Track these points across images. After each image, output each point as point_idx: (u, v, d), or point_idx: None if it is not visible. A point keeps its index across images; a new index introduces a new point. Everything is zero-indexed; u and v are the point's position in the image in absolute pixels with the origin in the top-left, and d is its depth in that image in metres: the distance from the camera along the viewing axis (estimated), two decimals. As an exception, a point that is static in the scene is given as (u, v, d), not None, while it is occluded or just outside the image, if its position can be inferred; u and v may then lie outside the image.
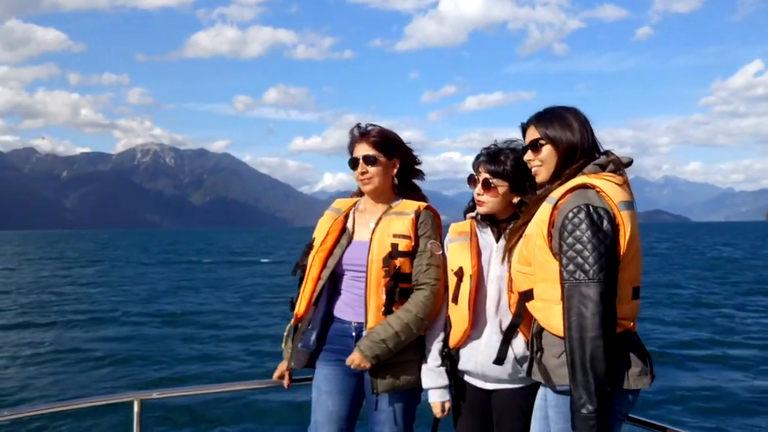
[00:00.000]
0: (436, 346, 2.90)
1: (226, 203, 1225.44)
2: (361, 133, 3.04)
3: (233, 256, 65.12)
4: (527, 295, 2.47)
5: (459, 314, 2.82)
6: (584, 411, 2.15)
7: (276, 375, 3.16)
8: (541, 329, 2.46)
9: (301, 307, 3.03)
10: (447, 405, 2.91)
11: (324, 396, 3.03)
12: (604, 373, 2.16)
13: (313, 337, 3.05)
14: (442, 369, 2.89)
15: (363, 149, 2.99)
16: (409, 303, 2.87)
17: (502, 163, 2.81)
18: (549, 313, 2.36)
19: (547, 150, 2.51)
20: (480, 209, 2.87)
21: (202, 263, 54.33)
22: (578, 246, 2.24)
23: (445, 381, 2.89)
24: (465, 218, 3.01)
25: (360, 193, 3.16)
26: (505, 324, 2.73)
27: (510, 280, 2.66)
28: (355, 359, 2.85)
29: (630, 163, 2.47)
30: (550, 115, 2.54)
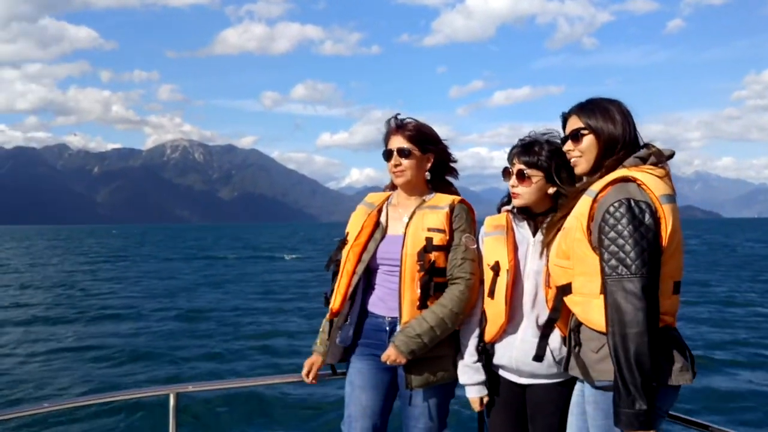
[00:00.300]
0: (472, 342, 2.88)
1: (254, 198, 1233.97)
2: (398, 126, 3.02)
3: (256, 252, 65.39)
4: (565, 289, 2.44)
5: (495, 309, 2.80)
6: (635, 407, 2.13)
7: (305, 369, 3.11)
8: (579, 324, 2.43)
9: (336, 302, 3.01)
10: (485, 400, 2.90)
11: (358, 391, 3.02)
12: (649, 369, 2.13)
13: (350, 332, 3.05)
14: (479, 365, 2.87)
15: (398, 141, 2.98)
16: (444, 298, 2.85)
17: (537, 153, 2.77)
18: (588, 307, 2.34)
19: (588, 140, 2.48)
20: (515, 201, 2.83)
21: (226, 258, 54.66)
22: (620, 240, 2.21)
23: (482, 377, 2.87)
24: (499, 212, 2.98)
25: (393, 187, 3.14)
26: (542, 319, 2.73)
27: (547, 274, 2.64)
28: (390, 355, 2.84)
29: (672, 155, 2.43)
30: (592, 106, 2.51)
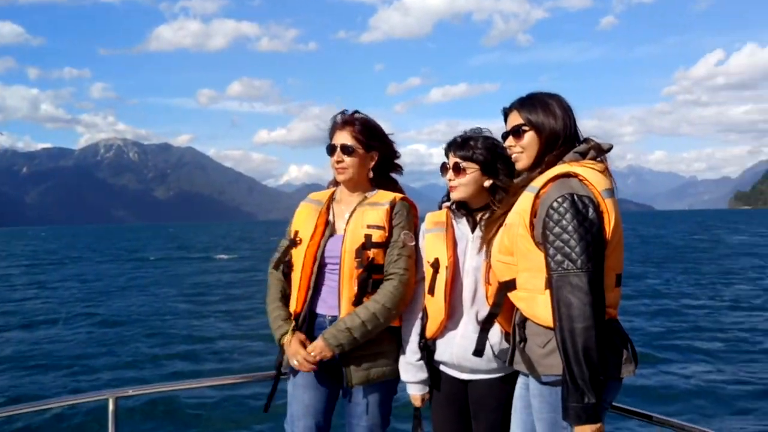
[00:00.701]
0: (413, 339, 2.89)
1: (191, 197, 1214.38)
2: (344, 122, 2.99)
3: (190, 252, 63.81)
4: (509, 285, 2.45)
5: (435, 306, 2.81)
6: (585, 400, 2.14)
7: (299, 355, 2.92)
8: (524, 319, 2.43)
9: (297, 304, 2.97)
10: (426, 397, 2.92)
11: (300, 389, 3.00)
12: (597, 362, 2.15)
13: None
14: (421, 362, 2.88)
15: (342, 137, 2.96)
16: (377, 294, 2.85)
17: (472, 147, 2.80)
18: (533, 303, 2.35)
19: (529, 136, 2.48)
20: (453, 195, 2.85)
21: (155, 260, 53.17)
22: (565, 236, 2.22)
23: (424, 374, 2.88)
24: (440, 209, 2.98)
25: (336, 183, 3.11)
26: (481, 315, 2.74)
27: (487, 270, 2.66)
28: (317, 347, 2.81)
29: (610, 149, 2.45)
30: (533, 101, 2.51)
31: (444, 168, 2.90)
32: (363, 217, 2.92)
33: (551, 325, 2.25)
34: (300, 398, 3.00)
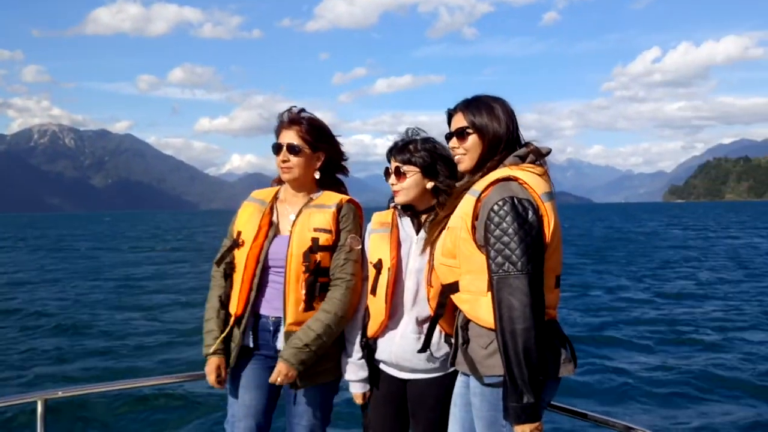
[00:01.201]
0: (356, 338, 2.92)
1: (130, 185, 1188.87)
2: (291, 120, 2.95)
3: (124, 242, 61.07)
4: (452, 288, 2.47)
5: (377, 306, 2.84)
6: (525, 400, 2.18)
7: (212, 376, 2.95)
8: (467, 321, 2.45)
9: (239, 306, 2.92)
10: (367, 395, 2.96)
11: (241, 390, 2.97)
12: (537, 363, 2.19)
13: (251, 335, 2.96)
14: (363, 361, 2.92)
15: (289, 137, 2.92)
16: (326, 303, 2.85)
17: (411, 151, 2.83)
18: (476, 304, 2.37)
19: (473, 139, 2.50)
20: (397, 199, 2.88)
21: (79, 250, 50.85)
22: (505, 238, 2.25)
23: (365, 372, 2.92)
24: (388, 207, 3.01)
25: (280, 181, 3.08)
26: (422, 316, 2.79)
27: (429, 272, 2.69)
28: (281, 371, 2.79)
29: (548, 152, 2.50)
30: (478, 104, 2.53)
31: (387, 173, 2.91)
32: (309, 219, 2.89)
33: (494, 326, 2.27)
34: (241, 399, 2.96)
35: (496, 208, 2.29)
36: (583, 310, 18.75)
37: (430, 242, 2.70)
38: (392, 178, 2.87)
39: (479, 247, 2.35)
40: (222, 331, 2.96)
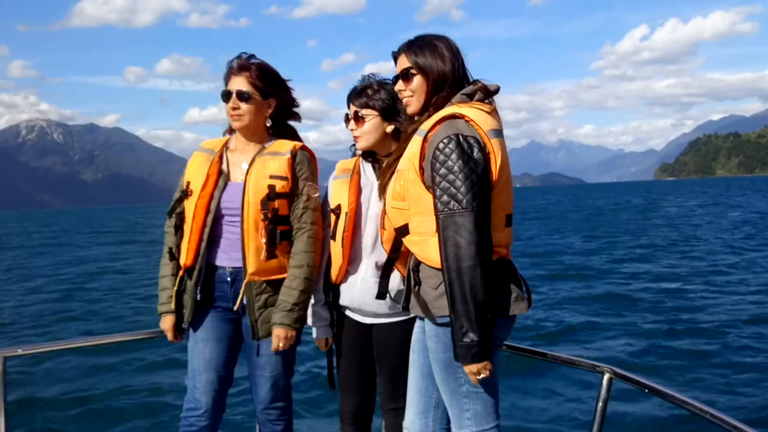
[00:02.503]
0: (318, 284, 2.92)
1: (121, 179, 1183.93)
2: (240, 66, 2.89)
3: (100, 237, 58.21)
4: (403, 230, 2.45)
5: (336, 251, 2.85)
6: (467, 340, 2.18)
7: (170, 333, 2.96)
8: (418, 263, 2.44)
9: (189, 257, 2.87)
10: (329, 340, 2.98)
11: (201, 344, 2.94)
12: (483, 300, 2.17)
13: (198, 289, 2.92)
14: (325, 306, 2.94)
15: (238, 83, 2.86)
16: (296, 257, 2.84)
17: (369, 95, 2.81)
18: (425, 246, 2.36)
19: (417, 80, 2.47)
20: (358, 144, 2.86)
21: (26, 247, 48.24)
22: (450, 176, 2.22)
23: (327, 317, 2.94)
24: (353, 154, 2.99)
25: (231, 131, 3.04)
26: (382, 260, 2.76)
27: (382, 216, 2.65)
28: (281, 335, 2.79)
29: (497, 90, 2.46)
30: (421, 43, 2.49)
31: (346, 118, 2.88)
32: (264, 166, 2.85)
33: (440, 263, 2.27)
34: (201, 352, 2.92)
35: (441, 146, 2.25)
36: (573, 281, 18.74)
37: (382, 186, 2.66)
38: (351, 124, 2.83)
39: (427, 187, 2.31)
40: (175, 288, 2.91)
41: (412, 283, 2.46)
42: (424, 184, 2.33)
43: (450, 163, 2.23)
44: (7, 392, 2.93)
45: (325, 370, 3.13)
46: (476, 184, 2.21)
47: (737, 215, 45.05)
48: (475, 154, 2.24)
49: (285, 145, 2.92)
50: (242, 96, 2.84)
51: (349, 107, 2.88)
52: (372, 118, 2.80)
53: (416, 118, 2.52)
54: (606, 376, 2.68)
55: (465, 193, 2.19)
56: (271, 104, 2.92)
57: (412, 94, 2.49)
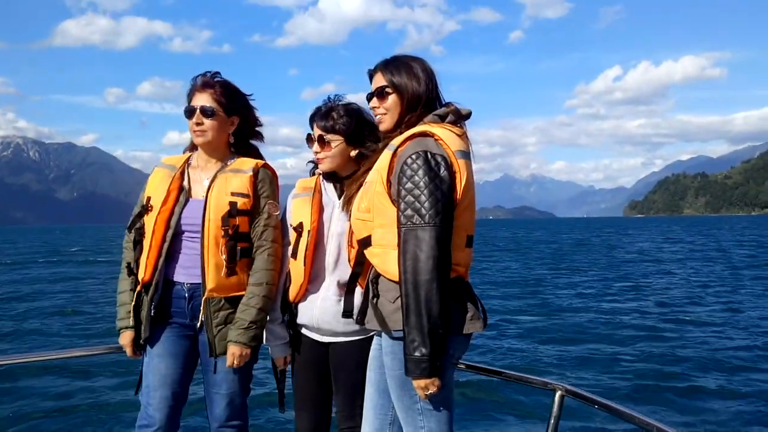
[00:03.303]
0: (276, 303, 2.90)
1: (96, 199, 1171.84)
2: (204, 83, 2.88)
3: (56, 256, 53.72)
4: (366, 242, 2.44)
5: (297, 269, 2.82)
6: (417, 354, 2.15)
7: (129, 349, 2.91)
8: (378, 275, 2.42)
9: (147, 272, 2.83)
10: (288, 359, 2.94)
11: (156, 359, 2.88)
12: (437, 315, 2.15)
13: (153, 305, 2.87)
14: (283, 325, 2.91)
15: (203, 99, 2.85)
16: (255, 275, 2.84)
17: (334, 119, 2.79)
18: (386, 258, 2.34)
19: (392, 98, 2.48)
20: (321, 167, 2.85)
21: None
22: (416, 191, 2.23)
23: (285, 336, 2.91)
24: (312, 175, 2.99)
25: (193, 148, 3.03)
26: (343, 279, 2.76)
27: (351, 233, 2.62)
28: (235, 353, 2.78)
29: (469, 115, 2.49)
30: (397, 63, 2.51)
31: (309, 139, 2.86)
32: (226, 183, 2.84)
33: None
34: (156, 368, 2.87)
35: (409, 161, 2.26)
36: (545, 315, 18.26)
37: (348, 198, 2.70)
38: (316, 146, 2.81)
39: (392, 201, 2.32)
40: (135, 303, 2.88)
41: (371, 295, 2.44)
42: (390, 197, 2.33)
43: (416, 178, 2.23)
44: None
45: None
46: (440, 200, 2.21)
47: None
48: (441, 171, 2.24)
49: (247, 163, 2.91)
50: (206, 112, 2.82)
51: (312, 128, 2.86)
52: (338, 144, 2.77)
53: (388, 135, 2.53)
54: (558, 393, 2.68)
55: (428, 209, 2.19)
56: (234, 122, 2.91)
57: (385, 112, 2.50)
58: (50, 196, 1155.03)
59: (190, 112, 2.86)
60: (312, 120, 2.88)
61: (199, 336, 2.91)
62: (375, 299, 2.42)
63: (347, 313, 2.72)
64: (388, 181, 2.35)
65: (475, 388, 8.80)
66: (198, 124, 2.85)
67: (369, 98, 2.58)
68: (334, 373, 2.89)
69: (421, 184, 2.23)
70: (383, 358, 2.44)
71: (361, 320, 2.54)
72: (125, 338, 2.90)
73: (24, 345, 13.86)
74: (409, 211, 2.23)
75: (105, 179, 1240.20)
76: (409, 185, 2.25)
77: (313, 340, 2.89)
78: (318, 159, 2.85)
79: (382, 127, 2.55)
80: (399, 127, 2.48)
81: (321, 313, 2.81)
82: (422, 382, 2.20)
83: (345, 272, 2.74)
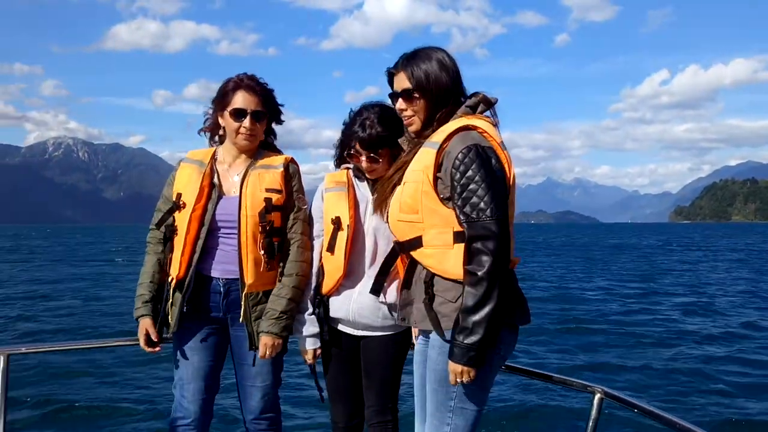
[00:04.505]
0: (307, 294, 2.91)
1: (143, 199, 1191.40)
2: (253, 87, 2.87)
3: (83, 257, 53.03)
4: (411, 244, 2.37)
5: (334, 263, 2.83)
6: (468, 341, 2.15)
7: (142, 340, 2.90)
8: (431, 276, 2.35)
9: (180, 269, 2.85)
10: (318, 352, 2.94)
11: (189, 352, 2.93)
12: (495, 307, 2.15)
13: (184, 300, 2.87)
14: (314, 317, 2.90)
15: (252, 103, 2.84)
16: (287, 267, 2.87)
17: (378, 140, 2.74)
18: (442, 258, 2.30)
19: (419, 98, 2.39)
20: (371, 175, 2.83)
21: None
22: (473, 186, 2.21)
23: (315, 329, 2.90)
24: (337, 168, 2.98)
25: (217, 142, 3.03)
26: None
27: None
28: (267, 344, 2.82)
29: (496, 102, 2.43)
30: (420, 59, 2.40)
31: (355, 157, 2.83)
32: (259, 180, 2.86)
33: (461, 277, 2.23)
34: (189, 361, 2.91)
35: (460, 156, 2.22)
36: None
37: (382, 199, 2.61)
38: (366, 164, 2.77)
39: (442, 200, 2.28)
40: (153, 295, 2.90)
41: (423, 297, 2.35)
42: (439, 196, 2.28)
43: (471, 173, 2.20)
44: (8, 390, 2.92)
45: (312, 381, 3.08)
46: (498, 193, 2.21)
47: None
48: (494, 164, 2.23)
49: (276, 159, 2.93)
50: (258, 116, 2.84)
51: (355, 149, 2.79)
52: (386, 156, 2.75)
53: (413, 135, 2.49)
54: (597, 396, 2.65)
55: (489, 203, 2.17)
56: (265, 123, 2.93)
57: (413, 114, 2.41)
58: (98, 195, 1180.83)
59: (239, 114, 2.84)
60: (352, 138, 2.80)
61: (231, 330, 2.94)
62: (429, 300, 2.35)
63: (375, 291, 2.69)
64: (435, 179, 2.30)
65: (512, 388, 8.77)
66: (251, 129, 2.85)
67: (394, 99, 2.48)
68: (366, 367, 2.91)
69: (478, 178, 2.21)
70: (428, 351, 2.41)
71: (403, 320, 2.49)
72: (141, 328, 2.90)
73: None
74: (468, 207, 2.21)
75: (151, 180, 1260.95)
76: (464, 181, 2.22)
77: (346, 333, 2.91)
78: (371, 173, 2.83)
79: (412, 128, 2.47)
80: (430, 125, 2.41)
81: (358, 307, 2.83)
82: (459, 368, 2.19)
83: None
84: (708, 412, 8.64)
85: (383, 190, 2.62)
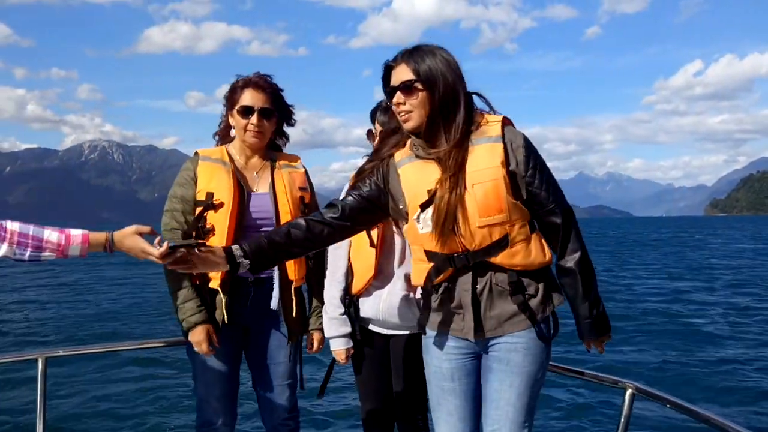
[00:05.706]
0: (336, 294, 2.91)
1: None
2: (261, 84, 2.86)
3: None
4: (496, 247, 2.23)
5: (365, 263, 2.85)
6: (601, 309, 2.33)
7: (205, 345, 2.81)
8: (517, 275, 2.26)
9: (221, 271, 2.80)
10: (350, 352, 2.95)
11: (212, 355, 2.86)
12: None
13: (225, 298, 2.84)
14: (345, 317, 2.91)
15: (260, 100, 2.83)
16: (317, 263, 2.99)
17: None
18: (528, 250, 2.24)
19: (421, 92, 2.21)
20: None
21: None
22: (546, 171, 2.26)
23: (348, 329, 2.91)
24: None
25: (224, 141, 3.03)
26: (410, 274, 2.64)
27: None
28: (320, 340, 3.01)
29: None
30: (423, 53, 2.24)
31: (370, 134, 2.94)
32: (291, 179, 2.92)
33: (545, 262, 2.28)
34: (211, 365, 2.89)
35: (525, 144, 2.23)
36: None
37: (448, 214, 2.23)
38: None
39: (513, 194, 2.20)
40: (201, 298, 2.82)
41: (521, 298, 2.25)
42: (510, 190, 2.19)
43: (541, 160, 2.25)
44: (47, 392, 2.95)
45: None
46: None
47: None
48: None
49: (293, 158, 3.01)
50: (266, 113, 2.83)
51: (373, 123, 2.87)
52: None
53: (403, 133, 2.38)
54: (629, 392, 2.64)
55: (558, 188, 2.27)
56: (275, 122, 2.93)
57: (411, 109, 2.22)
58: (132, 196, 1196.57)
59: (247, 112, 2.84)
60: (373, 116, 2.89)
61: (257, 329, 2.96)
62: (527, 298, 2.28)
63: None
64: (508, 174, 2.22)
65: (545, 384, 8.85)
66: (259, 126, 2.85)
67: (390, 93, 2.29)
68: (395, 366, 2.93)
69: (544, 164, 2.29)
70: (507, 355, 2.29)
71: (482, 334, 2.30)
72: (201, 333, 2.79)
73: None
74: (544, 194, 2.27)
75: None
76: (540, 167, 2.27)
77: (376, 332, 2.94)
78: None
79: (409, 125, 2.27)
80: (433, 122, 2.24)
81: (388, 307, 2.85)
82: (605, 337, 2.38)
83: (410, 268, 2.65)
84: (744, 411, 8.48)
85: (450, 195, 2.21)
